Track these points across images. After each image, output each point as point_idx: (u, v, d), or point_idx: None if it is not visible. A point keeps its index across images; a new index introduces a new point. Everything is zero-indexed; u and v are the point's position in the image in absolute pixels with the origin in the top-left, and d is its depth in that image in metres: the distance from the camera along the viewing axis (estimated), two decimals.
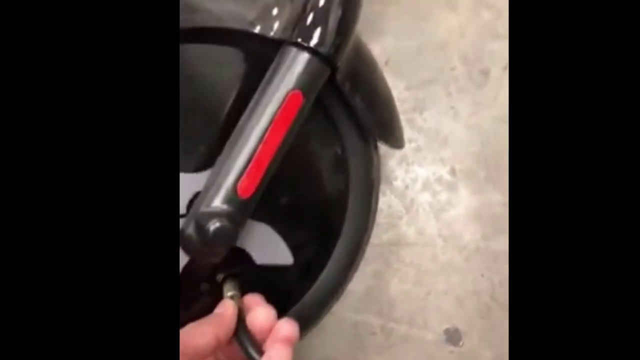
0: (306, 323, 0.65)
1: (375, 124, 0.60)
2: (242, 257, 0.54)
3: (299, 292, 0.64)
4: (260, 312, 0.49)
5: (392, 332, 0.81)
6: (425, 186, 0.83)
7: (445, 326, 0.81)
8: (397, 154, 0.83)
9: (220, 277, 0.55)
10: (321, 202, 0.65)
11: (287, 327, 0.48)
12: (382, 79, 0.62)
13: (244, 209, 0.49)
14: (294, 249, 0.56)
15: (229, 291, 0.52)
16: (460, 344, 0.80)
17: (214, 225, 0.47)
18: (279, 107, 0.48)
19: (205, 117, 0.52)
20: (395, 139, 0.64)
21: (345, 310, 0.81)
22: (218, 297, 0.51)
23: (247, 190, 0.48)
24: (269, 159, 0.49)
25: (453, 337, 0.80)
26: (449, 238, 0.82)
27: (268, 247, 0.52)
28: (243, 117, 0.50)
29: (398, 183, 0.83)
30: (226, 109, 0.53)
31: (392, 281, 0.82)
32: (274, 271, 0.56)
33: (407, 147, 0.83)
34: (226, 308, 0.48)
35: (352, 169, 0.62)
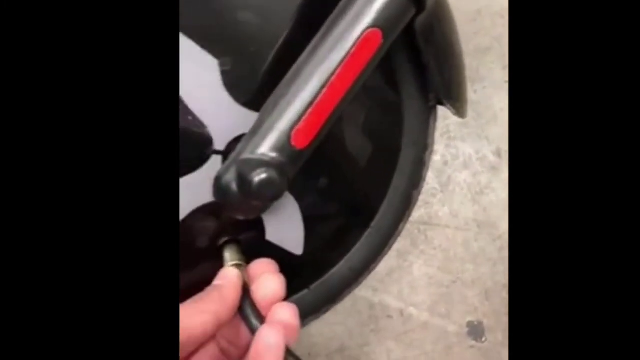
0: (339, 291, 0.58)
1: (443, 84, 0.52)
2: (249, 223, 0.46)
3: (334, 256, 0.57)
4: (267, 283, 0.41)
5: (411, 318, 0.74)
6: (466, 165, 0.75)
7: (469, 318, 0.74)
8: (439, 125, 0.76)
9: (220, 241, 0.46)
10: (368, 162, 0.58)
11: (284, 313, 0.40)
12: (457, 33, 0.54)
13: (296, 162, 0.41)
14: (340, 204, 0.51)
15: (230, 259, 0.44)
16: (483, 339, 0.74)
17: (259, 175, 0.39)
18: (352, 47, 0.40)
19: (258, 45, 0.44)
20: (460, 106, 0.56)
21: (362, 289, 0.74)
22: (216, 264, 0.43)
23: (303, 139, 0.40)
24: (333, 106, 0.41)
25: (476, 331, 0.74)
26: (484, 224, 0.75)
27: (285, 227, 0.45)
28: (306, 52, 0.41)
29: (437, 157, 0.76)
30: (285, 39, 0.44)
31: (417, 263, 0.75)
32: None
33: (452, 119, 0.75)
34: (228, 279, 0.39)
35: (407, 131, 0.55)
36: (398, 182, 0.57)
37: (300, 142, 0.40)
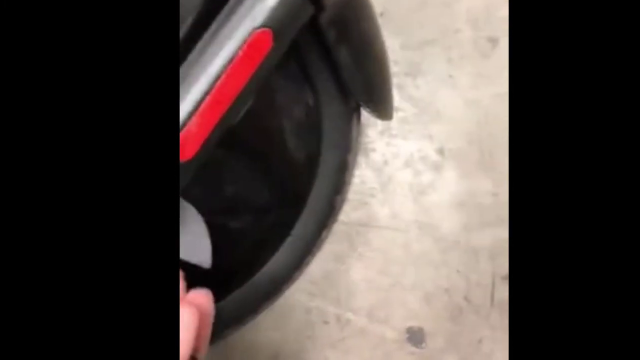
0: (260, 301, 0.55)
1: (361, 86, 0.48)
2: None
3: (254, 265, 0.55)
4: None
5: (348, 323, 0.71)
6: (407, 163, 0.72)
7: (409, 324, 0.71)
8: (379, 122, 0.72)
9: None
10: (287, 168, 0.55)
11: (196, 296, 0.39)
12: (378, 31, 0.50)
13: (181, 174, 0.37)
14: (256, 213, 0.50)
15: None
16: (423, 345, 0.71)
17: None
18: (238, 48, 0.36)
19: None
20: (383, 108, 0.53)
21: (298, 293, 0.70)
22: None
23: (188, 150, 0.36)
24: (220, 114, 0.37)
25: (415, 336, 0.71)
26: (425, 226, 0.71)
27: (190, 238, 0.41)
28: (192, 55, 0.38)
29: (376, 156, 0.72)
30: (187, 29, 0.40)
31: (355, 266, 0.71)
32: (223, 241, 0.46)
33: (393, 116, 0.72)
34: None
35: (326, 134, 0.52)
36: (319, 187, 0.53)
37: (185, 153, 0.37)
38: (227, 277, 0.55)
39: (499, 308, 0.70)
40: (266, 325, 0.70)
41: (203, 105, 0.36)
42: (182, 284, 0.39)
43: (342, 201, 0.57)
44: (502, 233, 0.70)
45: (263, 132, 0.53)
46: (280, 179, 0.57)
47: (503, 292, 0.70)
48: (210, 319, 0.38)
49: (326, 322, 0.71)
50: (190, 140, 0.37)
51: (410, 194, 0.72)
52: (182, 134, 0.36)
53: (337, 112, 0.51)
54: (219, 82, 0.36)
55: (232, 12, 0.38)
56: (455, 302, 0.71)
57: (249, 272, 0.57)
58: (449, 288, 0.71)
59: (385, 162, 0.72)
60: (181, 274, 0.41)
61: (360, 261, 0.72)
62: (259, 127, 0.51)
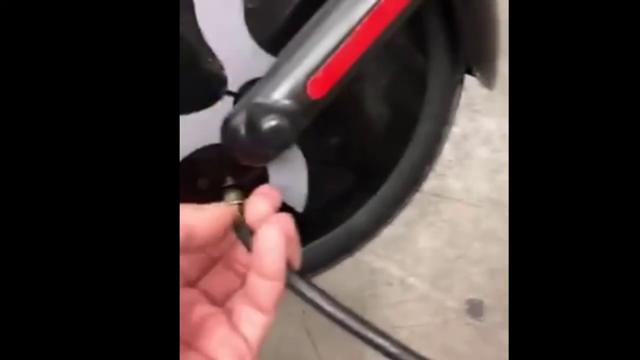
0: (337, 254, 0.57)
1: (476, 51, 0.49)
2: (254, 172, 0.44)
3: (336, 218, 0.56)
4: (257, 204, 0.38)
5: (411, 288, 0.73)
6: (486, 141, 0.73)
7: (470, 296, 0.73)
8: (464, 95, 0.73)
9: (223, 184, 0.45)
10: (383, 130, 0.56)
11: (280, 218, 0.37)
12: (497, 2, 0.51)
13: (309, 112, 0.39)
14: (345, 168, 0.50)
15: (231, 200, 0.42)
16: (481, 318, 0.73)
17: (269, 122, 0.37)
18: None
19: None
20: (492, 75, 0.54)
21: (365, 254, 0.73)
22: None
23: (319, 89, 0.38)
24: (354, 59, 0.39)
25: (475, 309, 0.73)
26: (497, 203, 0.73)
27: (290, 181, 0.43)
28: None
29: (456, 129, 0.73)
30: None
31: (424, 234, 0.73)
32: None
33: (478, 91, 0.72)
34: (222, 205, 0.39)
35: (428, 103, 0.53)
36: (412, 153, 0.55)
37: (315, 92, 0.38)
38: (308, 227, 0.57)
39: None
40: (332, 280, 0.73)
41: (340, 49, 0.38)
42: (270, 208, 0.38)
43: (430, 170, 0.58)
44: None
45: (365, 90, 0.54)
46: (376, 140, 0.58)
47: None
48: (295, 241, 0.38)
49: (389, 284, 0.73)
50: (323, 81, 0.38)
51: (485, 171, 0.73)
52: (316, 75, 0.38)
53: (444, 81, 0.52)
54: (358, 27, 0.38)
55: None
56: None
57: (329, 226, 0.58)
58: None
59: (465, 137, 0.73)
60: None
61: (429, 229, 0.73)
62: (363, 85, 0.52)
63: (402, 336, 0.71)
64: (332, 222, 0.58)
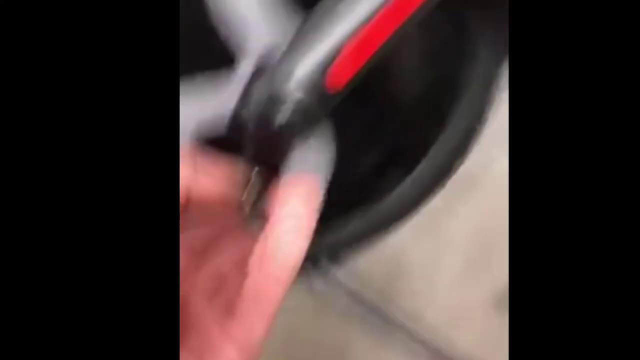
0: (370, 233, 0.55)
1: None
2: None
3: (368, 198, 0.54)
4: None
5: (440, 273, 0.71)
6: None
7: (500, 285, 0.71)
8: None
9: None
10: (418, 117, 0.53)
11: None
12: None
13: (326, 104, 0.36)
14: (378, 151, 0.50)
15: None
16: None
17: (281, 115, 0.34)
18: None
19: None
20: None
21: (394, 237, 0.71)
22: None
23: (337, 81, 0.35)
24: (376, 46, 0.36)
25: (505, 298, 0.70)
26: None
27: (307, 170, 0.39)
28: None
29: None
30: None
31: (456, 219, 0.71)
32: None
33: None
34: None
35: (466, 98, 0.50)
36: (458, 118, 0.51)
37: (334, 83, 0.36)
38: (346, 204, 0.54)
39: None
40: (361, 264, 0.71)
41: (362, 35, 0.35)
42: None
43: (466, 155, 0.55)
44: None
45: (403, 78, 0.51)
46: (413, 126, 0.54)
47: None
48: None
49: (419, 268, 0.71)
50: (342, 71, 0.36)
51: None
52: (335, 64, 0.35)
53: (484, 75, 0.49)
54: (382, 10, 0.35)
55: None
56: None
57: (360, 206, 0.56)
58: None
59: None
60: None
61: (460, 215, 0.71)
62: (398, 73, 0.49)
63: (429, 322, 0.70)
64: (361, 204, 0.56)
